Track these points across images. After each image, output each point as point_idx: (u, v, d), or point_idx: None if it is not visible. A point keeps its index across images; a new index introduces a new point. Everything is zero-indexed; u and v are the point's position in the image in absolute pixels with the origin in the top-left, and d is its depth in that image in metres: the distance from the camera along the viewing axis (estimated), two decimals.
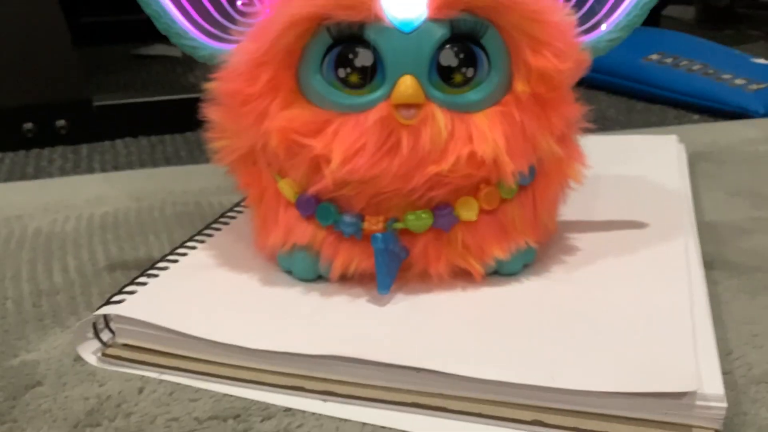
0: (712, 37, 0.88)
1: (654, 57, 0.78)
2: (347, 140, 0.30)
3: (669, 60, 0.77)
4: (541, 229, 0.34)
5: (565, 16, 0.32)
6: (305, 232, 0.33)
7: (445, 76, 0.30)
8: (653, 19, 1.05)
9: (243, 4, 0.34)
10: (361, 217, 0.32)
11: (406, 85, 0.29)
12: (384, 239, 0.31)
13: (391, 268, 0.32)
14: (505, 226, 0.33)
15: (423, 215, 0.32)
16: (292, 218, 0.33)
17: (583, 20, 0.34)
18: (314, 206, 0.32)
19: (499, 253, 0.33)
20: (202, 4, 0.34)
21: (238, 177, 0.35)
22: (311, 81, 0.31)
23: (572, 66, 0.31)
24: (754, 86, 0.71)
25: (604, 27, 0.34)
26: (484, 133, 0.30)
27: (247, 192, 0.35)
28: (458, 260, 0.33)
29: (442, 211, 0.32)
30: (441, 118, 0.30)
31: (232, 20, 0.34)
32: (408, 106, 0.29)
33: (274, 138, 0.30)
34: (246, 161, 0.34)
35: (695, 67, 0.75)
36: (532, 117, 0.31)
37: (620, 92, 0.77)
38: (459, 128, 0.30)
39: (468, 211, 0.32)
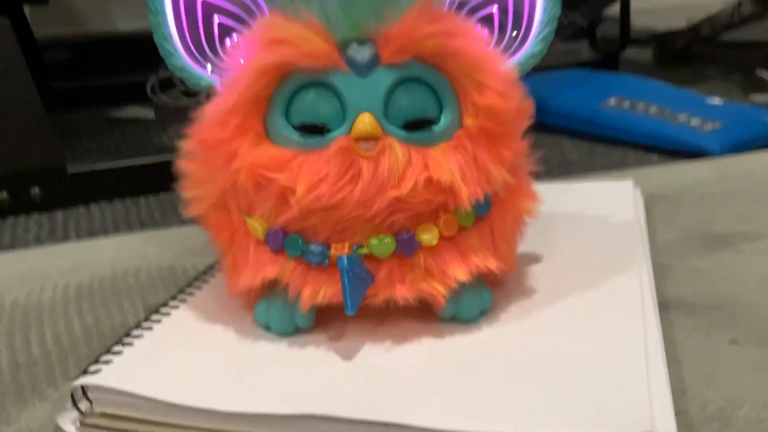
0: (671, 77, 0.91)
1: (612, 101, 0.80)
2: (311, 171, 0.32)
3: (626, 104, 0.79)
4: (501, 260, 0.36)
5: (505, 64, 0.35)
6: (274, 265, 0.35)
7: None
8: (612, 61, 1.08)
9: (230, 47, 0.36)
10: (328, 246, 0.34)
11: (365, 122, 0.32)
12: (349, 260, 0.33)
13: (357, 290, 0.33)
14: (465, 252, 0.35)
15: (386, 239, 0.34)
16: (261, 254, 0.35)
17: (508, 44, 0.37)
18: (282, 239, 0.34)
19: (462, 275, 0.34)
20: (197, 33, 0.36)
21: (210, 225, 0.37)
22: (277, 125, 0.34)
23: (515, 106, 0.34)
24: (709, 126, 0.73)
25: (525, 45, 0.37)
26: (440, 162, 0.33)
27: (218, 237, 0.37)
28: (422, 284, 0.34)
29: (404, 235, 0.34)
30: (398, 148, 0.32)
31: (217, 55, 0.36)
32: (367, 139, 0.32)
33: (242, 174, 0.33)
34: (217, 208, 0.36)
35: (652, 110, 0.77)
36: (482, 149, 0.34)
37: (582, 136, 0.80)
38: (416, 157, 0.33)
39: (428, 235, 0.34)
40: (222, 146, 0.33)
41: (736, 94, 0.96)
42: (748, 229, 0.49)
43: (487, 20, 0.37)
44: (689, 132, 0.73)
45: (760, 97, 0.92)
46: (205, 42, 0.36)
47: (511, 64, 0.36)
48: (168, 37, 0.35)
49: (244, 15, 0.35)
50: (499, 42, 0.36)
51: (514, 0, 0.37)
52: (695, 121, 0.74)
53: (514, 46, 0.37)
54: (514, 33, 0.37)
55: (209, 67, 0.36)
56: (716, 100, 0.80)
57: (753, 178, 0.59)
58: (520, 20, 0.37)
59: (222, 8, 0.36)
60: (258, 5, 0.35)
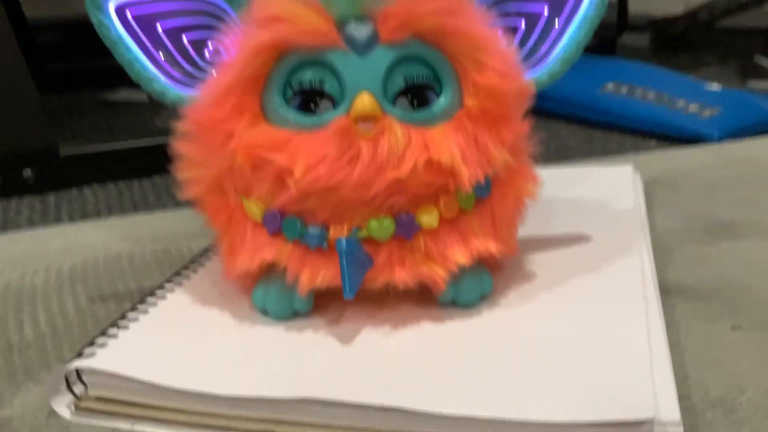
0: (668, 64, 0.91)
1: (610, 86, 0.80)
2: (309, 151, 0.32)
3: (624, 89, 0.79)
4: (502, 243, 0.35)
5: (506, 45, 0.35)
6: (272, 248, 0.34)
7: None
8: (609, 47, 1.08)
9: (211, 55, 0.36)
10: (326, 228, 0.33)
11: (364, 102, 0.32)
12: (348, 243, 0.33)
13: (356, 273, 0.33)
14: (466, 235, 0.34)
15: (385, 222, 0.33)
16: (259, 237, 0.34)
17: (527, 57, 0.37)
18: (280, 221, 0.34)
19: (462, 258, 0.34)
20: (171, 55, 0.36)
21: (206, 207, 0.36)
22: (274, 104, 0.33)
23: (516, 86, 0.34)
24: (708, 112, 0.73)
25: (545, 63, 0.37)
26: (440, 143, 0.32)
27: (214, 220, 0.36)
28: (422, 267, 0.34)
29: (404, 218, 0.33)
30: (398, 128, 0.32)
31: (200, 69, 0.36)
32: (366, 119, 0.31)
33: (239, 155, 0.32)
34: (213, 190, 0.35)
35: (650, 95, 0.77)
36: (483, 129, 0.33)
37: (579, 122, 0.79)
38: (415, 138, 0.32)
39: (428, 217, 0.33)
40: (218, 126, 0.33)
41: (734, 80, 0.95)
42: (749, 215, 0.49)
43: (511, 30, 0.37)
44: (688, 118, 0.72)
45: (758, 84, 0.91)
46: (184, 60, 0.36)
47: (528, 77, 0.36)
48: (144, 69, 0.35)
49: (213, 21, 0.35)
50: (518, 51, 0.36)
51: (543, 23, 0.37)
52: (694, 107, 0.74)
53: (532, 61, 0.37)
54: (536, 48, 0.37)
55: (193, 82, 0.36)
56: (715, 86, 0.80)
57: (754, 164, 0.59)
58: (544, 38, 0.37)
59: (187, 26, 0.36)
60: (223, 9, 0.35)
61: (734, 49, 1.08)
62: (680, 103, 0.75)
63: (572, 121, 0.80)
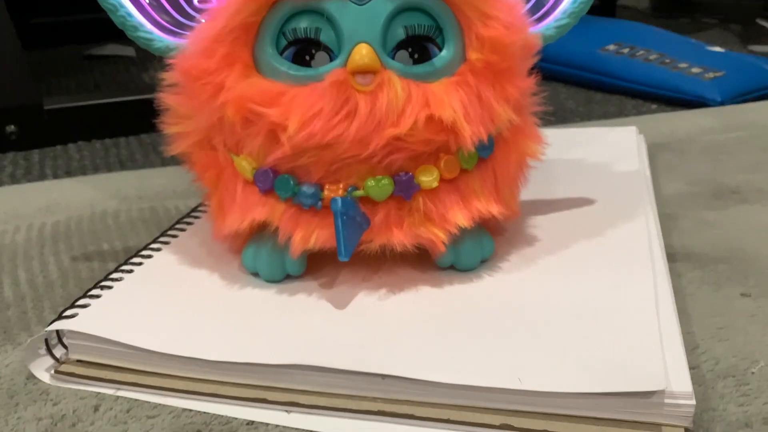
0: (668, 26, 0.89)
1: (611, 48, 0.78)
2: (303, 106, 0.30)
3: (626, 50, 0.77)
4: (504, 205, 0.34)
5: None
6: (263, 207, 0.32)
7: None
8: (609, 9, 1.06)
9: (199, 2, 0.34)
10: (321, 187, 0.32)
11: (362, 54, 0.30)
12: (343, 202, 0.31)
13: (351, 235, 0.31)
14: (466, 196, 0.33)
15: (383, 181, 0.31)
16: (249, 195, 0.33)
17: (533, 10, 0.35)
18: (272, 179, 0.32)
19: (462, 220, 0.32)
20: (158, 0, 0.34)
21: (194, 163, 0.34)
22: (267, 55, 0.31)
23: (522, 39, 0.32)
24: (711, 74, 0.71)
25: (552, 16, 0.36)
26: (441, 99, 0.31)
27: (203, 177, 0.34)
28: (420, 229, 0.32)
29: (402, 177, 0.32)
30: (397, 82, 0.30)
31: (188, 17, 0.34)
32: (364, 72, 0.30)
33: (230, 108, 0.31)
34: (202, 145, 0.34)
35: (652, 57, 0.75)
36: (487, 85, 0.32)
37: (579, 83, 0.78)
38: (416, 93, 0.30)
39: (428, 177, 0.32)
40: (207, 77, 0.31)
41: (735, 44, 0.93)
42: (755, 179, 0.47)
43: None
44: (690, 80, 0.71)
45: (759, 47, 0.90)
46: (171, 7, 0.34)
47: (535, 30, 0.34)
48: (129, 14, 0.33)
49: None
50: (523, 3, 0.35)
51: None
52: (696, 70, 0.72)
53: (539, 14, 0.35)
54: (543, 2, 0.35)
55: (181, 31, 0.34)
56: (717, 49, 0.78)
57: (758, 127, 0.58)
58: None
59: None
60: None
61: (735, 13, 1.06)
62: (683, 65, 0.73)
63: (571, 83, 0.78)
